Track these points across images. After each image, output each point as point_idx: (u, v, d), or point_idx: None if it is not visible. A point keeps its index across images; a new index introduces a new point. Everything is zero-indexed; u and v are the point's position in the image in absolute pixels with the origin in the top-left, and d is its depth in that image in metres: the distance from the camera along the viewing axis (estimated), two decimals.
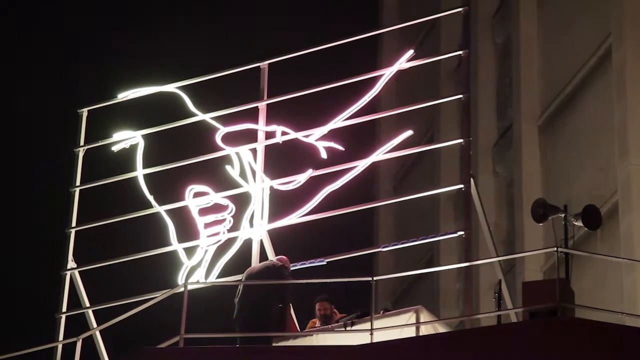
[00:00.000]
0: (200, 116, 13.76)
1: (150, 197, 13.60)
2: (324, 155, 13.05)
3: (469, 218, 12.05)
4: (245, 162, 13.37)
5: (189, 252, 13.24)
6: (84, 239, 13.80)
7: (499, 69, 20.35)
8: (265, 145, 13.39)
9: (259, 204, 13.10)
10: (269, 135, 13.42)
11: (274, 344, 11.43)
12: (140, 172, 13.76)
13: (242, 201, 13.21)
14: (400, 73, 13.10)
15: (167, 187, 13.79)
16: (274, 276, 11.94)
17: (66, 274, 13.50)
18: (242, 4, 25.21)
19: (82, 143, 14.17)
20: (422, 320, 11.20)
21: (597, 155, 16.54)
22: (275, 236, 13.04)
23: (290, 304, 12.04)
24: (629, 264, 13.98)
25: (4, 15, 26.57)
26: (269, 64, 13.65)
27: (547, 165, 18.03)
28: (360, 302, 12.12)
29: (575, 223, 11.75)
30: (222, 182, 13.36)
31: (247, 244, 13.07)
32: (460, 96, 12.62)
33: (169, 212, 13.47)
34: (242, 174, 13.35)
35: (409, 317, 11.28)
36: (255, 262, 12.93)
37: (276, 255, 12.81)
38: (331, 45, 13.49)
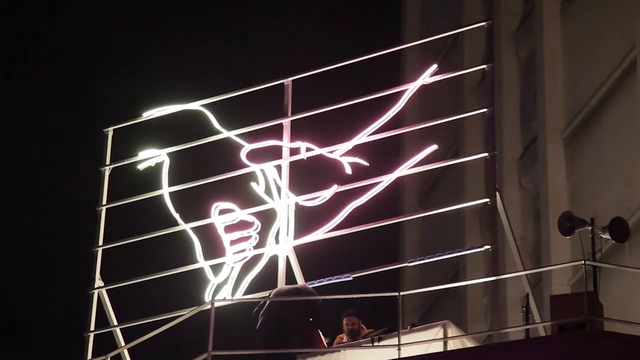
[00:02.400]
0: (225, 133, 13.80)
1: (176, 215, 13.64)
2: (348, 170, 13.05)
3: (495, 232, 12.01)
4: (270, 178, 13.39)
5: (215, 269, 13.27)
6: (111, 258, 13.85)
7: (523, 82, 20.30)
8: (290, 162, 13.41)
9: (285, 221, 13.11)
10: (294, 151, 13.43)
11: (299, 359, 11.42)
12: (165, 190, 13.81)
13: (267, 218, 13.23)
14: (423, 88, 13.09)
15: (193, 205, 13.84)
16: (303, 300, 11.91)
17: (94, 293, 13.55)
18: (266, 23, 25.31)
19: (108, 162, 14.24)
20: (449, 335, 11.17)
21: (623, 168, 16.46)
22: (301, 252, 13.05)
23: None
24: None
25: (30, 35, 26.78)
26: (293, 80, 13.69)
27: (573, 178, 17.96)
28: (387, 317, 12.10)
29: (603, 236, 11.70)
30: (247, 199, 13.38)
31: (273, 261, 13.07)
32: (485, 110, 12.60)
33: (195, 229, 13.51)
34: (268, 191, 13.37)
35: (436, 332, 11.25)
36: (281, 278, 12.94)
37: (304, 277, 12.82)
38: (354, 61, 13.51)
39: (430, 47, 21.07)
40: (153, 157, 14.02)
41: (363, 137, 13.07)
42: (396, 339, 10.89)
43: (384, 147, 13.19)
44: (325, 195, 13.03)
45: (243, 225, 13.27)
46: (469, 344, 11.42)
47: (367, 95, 13.21)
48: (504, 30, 20.61)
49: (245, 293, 12.98)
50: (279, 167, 13.41)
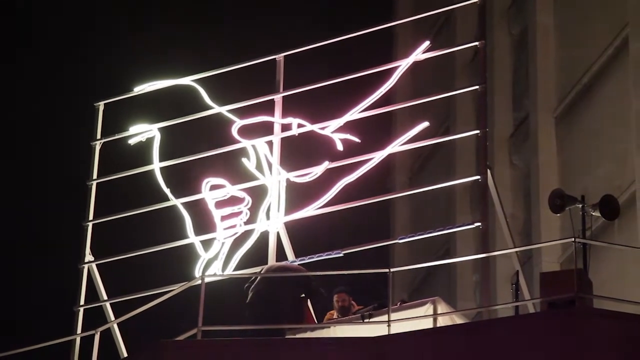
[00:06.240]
0: (216, 109, 13.78)
1: (167, 190, 13.63)
2: (340, 147, 13.05)
3: (485, 209, 12.03)
4: (261, 154, 13.39)
5: (206, 244, 13.27)
6: (101, 232, 13.84)
7: (515, 59, 20.28)
8: (282, 138, 13.40)
9: (276, 197, 13.11)
10: (285, 127, 13.42)
11: (288, 336, 11.42)
12: (156, 165, 13.80)
13: (258, 193, 13.23)
14: (416, 65, 13.07)
15: (184, 180, 13.82)
16: (293, 277, 11.91)
17: (84, 267, 13.55)
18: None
19: (98, 136, 14.21)
20: (439, 312, 11.20)
21: (614, 146, 16.48)
22: (292, 228, 13.05)
23: (309, 299, 12.01)
24: None
25: (20, 11, 26.66)
26: (285, 56, 13.65)
27: (564, 156, 17.97)
28: (378, 294, 12.12)
29: (593, 213, 11.71)
30: (238, 174, 13.38)
31: (264, 237, 13.08)
32: (477, 87, 12.59)
33: (185, 204, 13.51)
34: (259, 167, 13.36)
35: (426, 309, 11.28)
36: (272, 254, 12.95)
37: (294, 253, 12.83)
38: (347, 37, 13.48)
39: (423, 24, 21.01)
40: (144, 132, 14.00)
41: (355, 113, 13.06)
42: (386, 315, 10.91)
43: (376, 123, 13.18)
44: (316, 171, 13.03)
45: (234, 201, 13.28)
46: (458, 320, 11.46)
47: (359, 72, 13.18)
48: (496, 7, 20.57)
49: (236, 269, 12.99)
50: (270, 143, 13.40)
